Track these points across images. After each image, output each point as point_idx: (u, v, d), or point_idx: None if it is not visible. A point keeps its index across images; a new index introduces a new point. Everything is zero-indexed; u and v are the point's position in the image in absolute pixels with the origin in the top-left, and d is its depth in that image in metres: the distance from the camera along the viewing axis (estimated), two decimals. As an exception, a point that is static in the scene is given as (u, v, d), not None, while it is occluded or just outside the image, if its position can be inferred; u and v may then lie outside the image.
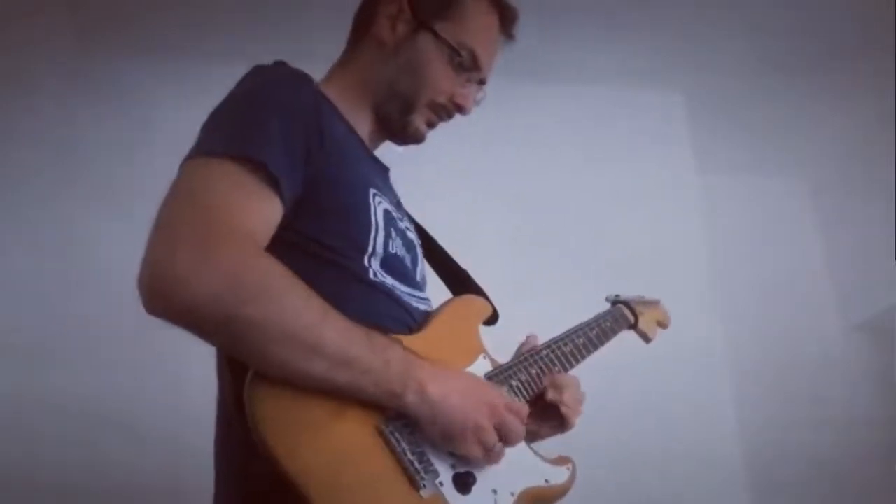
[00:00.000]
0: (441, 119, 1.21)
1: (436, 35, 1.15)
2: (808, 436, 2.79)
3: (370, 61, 1.18)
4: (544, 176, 2.67)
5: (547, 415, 1.13)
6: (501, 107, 2.67)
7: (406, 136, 1.21)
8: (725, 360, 2.61)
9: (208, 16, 2.35)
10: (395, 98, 1.17)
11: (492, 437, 0.93)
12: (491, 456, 0.94)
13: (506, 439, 0.95)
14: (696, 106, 2.87)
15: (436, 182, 2.44)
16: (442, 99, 1.18)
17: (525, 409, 1.00)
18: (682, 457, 2.33)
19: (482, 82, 1.23)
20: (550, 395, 1.12)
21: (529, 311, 2.37)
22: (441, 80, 1.17)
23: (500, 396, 0.98)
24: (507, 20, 1.24)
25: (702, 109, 2.87)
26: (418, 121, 1.19)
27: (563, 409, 1.12)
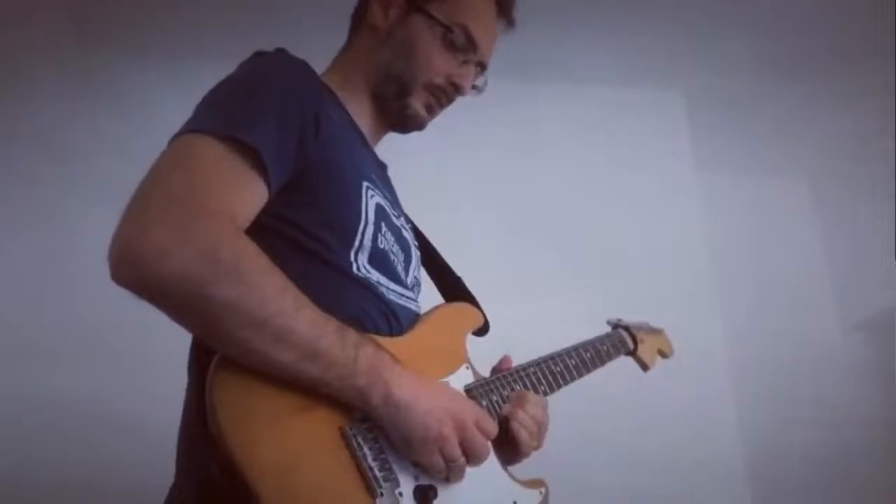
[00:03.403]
0: (440, 102, 1.18)
1: (428, 15, 1.13)
2: (808, 436, 2.78)
3: (366, 48, 1.17)
4: (544, 175, 2.67)
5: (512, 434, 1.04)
6: (501, 106, 2.68)
7: (405, 120, 1.18)
8: (725, 360, 2.61)
9: (208, 16, 2.35)
10: (390, 81, 1.15)
11: (454, 451, 0.89)
12: (452, 470, 0.90)
13: (469, 456, 0.91)
14: (696, 105, 2.87)
15: (435, 182, 2.44)
16: (439, 80, 1.15)
17: (494, 428, 0.96)
18: (683, 457, 2.33)
19: (481, 65, 1.20)
20: (505, 408, 1.04)
21: (530, 311, 2.39)
22: (436, 59, 1.14)
23: (471, 411, 0.94)
24: (504, 4, 1.21)
25: (701, 108, 2.87)
26: (416, 103, 1.16)
27: (514, 425, 1.02)
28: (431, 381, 0.96)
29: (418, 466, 0.90)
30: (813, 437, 2.78)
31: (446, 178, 2.50)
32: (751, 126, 3.01)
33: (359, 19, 1.21)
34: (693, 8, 2.44)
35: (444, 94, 1.17)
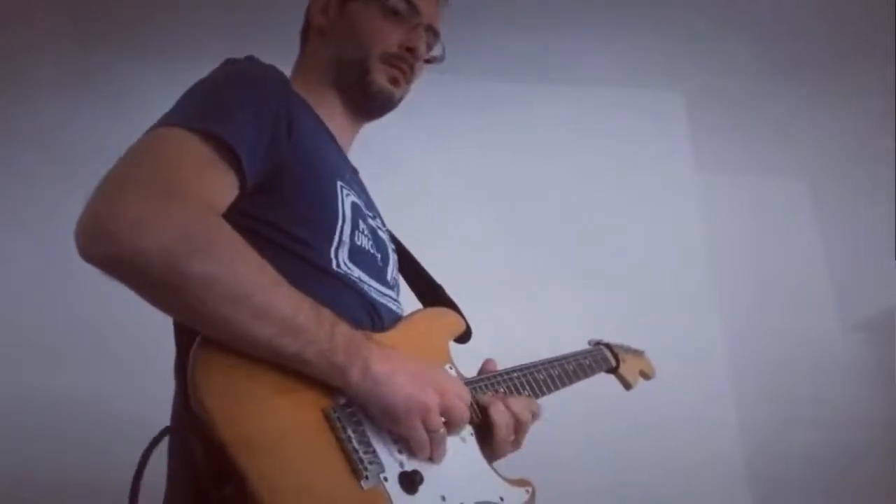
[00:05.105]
0: (402, 72, 1.19)
1: None
2: (808, 436, 2.78)
3: (317, 50, 1.22)
4: (544, 176, 2.67)
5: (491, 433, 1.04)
6: (502, 107, 2.68)
7: (373, 99, 1.19)
8: (725, 360, 2.61)
9: (208, 16, 2.35)
10: (347, 67, 1.18)
11: (436, 419, 0.90)
12: (434, 440, 0.91)
13: (450, 424, 0.93)
14: (696, 105, 2.87)
15: (435, 183, 2.44)
16: (392, 48, 1.18)
17: (468, 393, 0.98)
18: (683, 457, 2.33)
19: (431, 30, 1.22)
20: (483, 398, 1.03)
21: (530, 311, 2.39)
22: (382, 30, 1.17)
23: (449, 380, 0.96)
24: None
25: (702, 108, 2.87)
26: (378, 78, 1.17)
27: (492, 412, 1.02)
28: (406, 354, 0.95)
29: (401, 444, 0.90)
30: (813, 437, 2.78)
31: (446, 180, 2.50)
32: (751, 126, 3.01)
33: (306, 31, 1.26)
34: (693, 9, 2.44)
35: (402, 62, 1.19)
